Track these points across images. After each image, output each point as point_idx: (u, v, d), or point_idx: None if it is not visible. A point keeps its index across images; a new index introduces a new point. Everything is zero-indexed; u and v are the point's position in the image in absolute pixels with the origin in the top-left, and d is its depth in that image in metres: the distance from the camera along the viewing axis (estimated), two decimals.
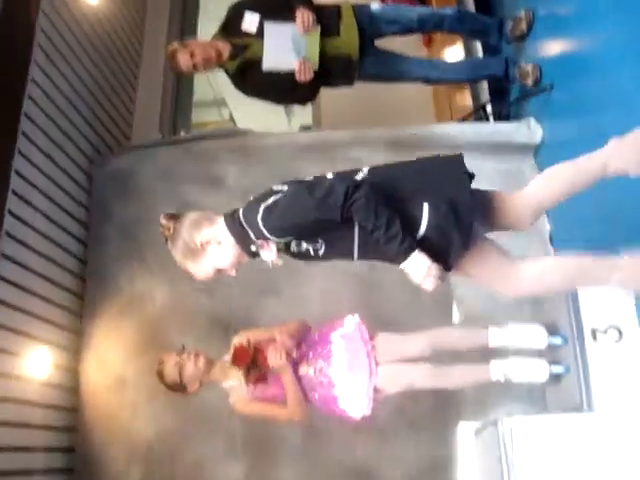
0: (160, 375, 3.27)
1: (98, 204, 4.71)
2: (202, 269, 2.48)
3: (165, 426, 4.23)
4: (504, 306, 3.86)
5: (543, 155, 4.31)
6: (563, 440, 2.59)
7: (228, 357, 3.24)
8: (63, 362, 4.36)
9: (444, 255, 2.31)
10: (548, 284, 2.45)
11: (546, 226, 4.14)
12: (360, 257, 2.44)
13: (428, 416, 4.00)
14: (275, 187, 2.42)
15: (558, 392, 3.42)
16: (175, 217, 2.49)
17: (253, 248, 2.43)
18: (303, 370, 3.20)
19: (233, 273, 2.55)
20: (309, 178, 2.47)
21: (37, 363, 4.03)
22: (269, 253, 2.42)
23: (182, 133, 5.68)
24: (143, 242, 4.52)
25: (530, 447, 2.59)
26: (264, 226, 2.31)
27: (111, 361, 4.45)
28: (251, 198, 2.48)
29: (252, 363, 3.16)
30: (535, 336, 3.32)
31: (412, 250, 2.19)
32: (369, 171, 2.43)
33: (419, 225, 2.29)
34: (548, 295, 2.54)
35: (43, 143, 4.17)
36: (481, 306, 4.08)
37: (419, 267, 2.22)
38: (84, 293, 4.59)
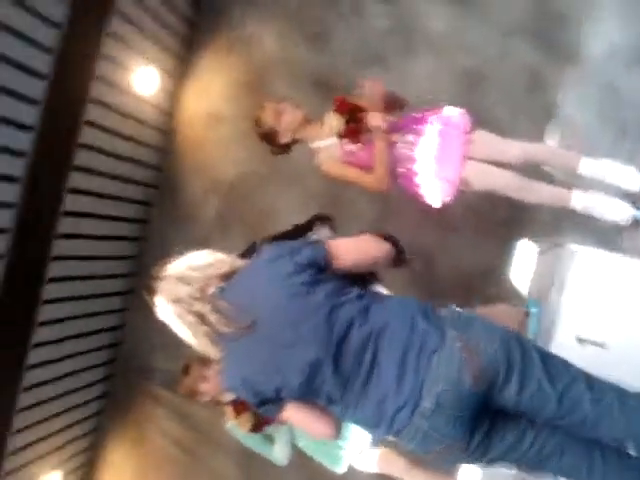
0: (257, 120, 3.25)
1: None
2: None
3: (249, 170, 4.43)
4: (605, 141, 3.75)
5: None
6: (621, 283, 2.61)
7: (325, 119, 3.25)
8: (167, 85, 4.52)
9: None
10: None
11: None
12: None
13: (499, 225, 4.07)
14: None
15: (635, 239, 3.40)
16: None
17: None
18: (392, 137, 3.18)
19: None
20: None
21: (144, 80, 4.19)
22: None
23: None
24: None
25: (587, 278, 2.63)
26: None
27: (212, 94, 4.59)
28: None
29: (352, 116, 3.16)
30: (628, 177, 3.25)
31: None
32: None
33: None
34: None
35: None
36: (581, 134, 3.97)
37: None
38: (197, 22, 4.63)
